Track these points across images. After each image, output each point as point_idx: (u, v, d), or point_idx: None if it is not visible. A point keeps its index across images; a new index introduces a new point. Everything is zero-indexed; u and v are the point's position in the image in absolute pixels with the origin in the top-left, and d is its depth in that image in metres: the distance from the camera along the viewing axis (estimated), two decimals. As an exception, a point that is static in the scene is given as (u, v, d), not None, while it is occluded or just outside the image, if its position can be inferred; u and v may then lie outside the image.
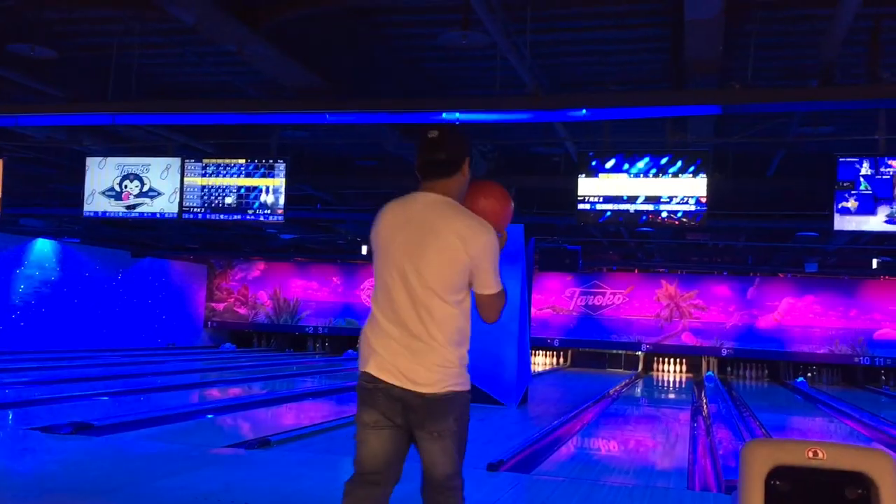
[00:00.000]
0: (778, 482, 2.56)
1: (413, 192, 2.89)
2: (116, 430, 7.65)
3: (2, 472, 5.84)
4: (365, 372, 2.85)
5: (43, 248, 17.79)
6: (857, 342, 19.12)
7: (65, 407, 9.11)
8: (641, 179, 7.36)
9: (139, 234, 17.13)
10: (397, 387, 2.74)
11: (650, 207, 7.36)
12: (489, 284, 2.79)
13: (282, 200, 8.07)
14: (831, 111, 7.66)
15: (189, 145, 9.00)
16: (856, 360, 19.15)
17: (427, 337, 2.72)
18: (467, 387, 2.81)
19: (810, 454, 2.55)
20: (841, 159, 6.75)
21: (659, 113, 6.20)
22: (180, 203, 8.20)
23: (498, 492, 5.61)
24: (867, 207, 6.64)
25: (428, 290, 2.72)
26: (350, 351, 22.11)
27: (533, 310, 14.25)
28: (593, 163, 7.49)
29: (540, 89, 6.24)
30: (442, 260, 2.72)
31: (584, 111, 5.99)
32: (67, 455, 6.33)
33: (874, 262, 16.01)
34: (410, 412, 2.74)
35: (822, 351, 19.38)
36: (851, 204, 6.66)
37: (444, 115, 6.14)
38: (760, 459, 2.58)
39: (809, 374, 19.71)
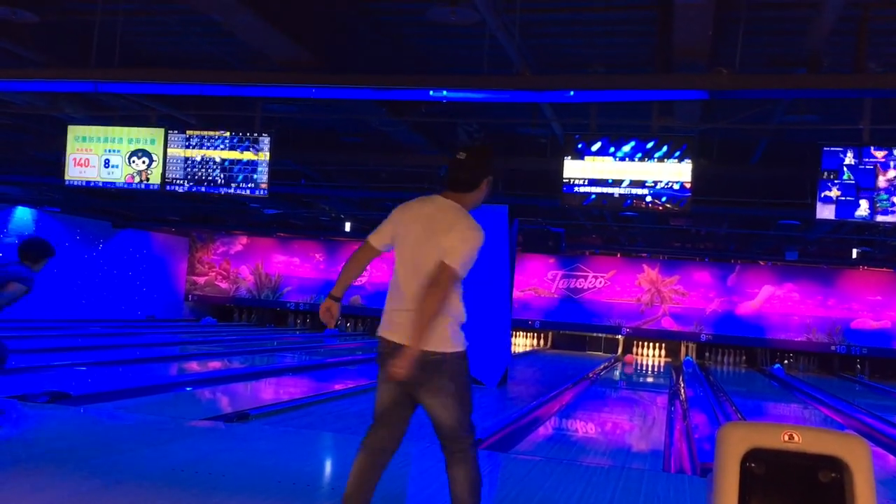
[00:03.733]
0: (753, 464, 2.58)
1: (433, 194, 3.55)
2: (94, 400, 7.62)
3: (-24, 439, 5.80)
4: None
5: (23, 216, 17.59)
6: (835, 331, 19.34)
7: (42, 376, 9.06)
8: (627, 163, 7.36)
9: (120, 204, 16.97)
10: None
11: (635, 191, 7.36)
12: (454, 260, 3.32)
13: (266, 175, 8.00)
14: (817, 100, 7.69)
15: (172, 116, 8.90)
16: (832, 348, 19.37)
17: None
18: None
19: (786, 437, 2.57)
20: (825, 148, 6.77)
21: (646, 96, 6.18)
22: (163, 174, 8.12)
23: (475, 470, 5.63)
24: (850, 197, 6.68)
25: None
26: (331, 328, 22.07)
27: (515, 291, 14.29)
28: (579, 145, 7.48)
29: (527, 69, 6.20)
30: (441, 254, 3.34)
31: (571, 93, 5.96)
32: (43, 423, 6.30)
33: (854, 252, 16.16)
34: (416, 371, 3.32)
35: (799, 338, 19.58)
36: (834, 193, 6.70)
37: (431, 92, 6.10)
38: (736, 441, 2.59)
39: (786, 361, 19.93)
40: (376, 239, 3.54)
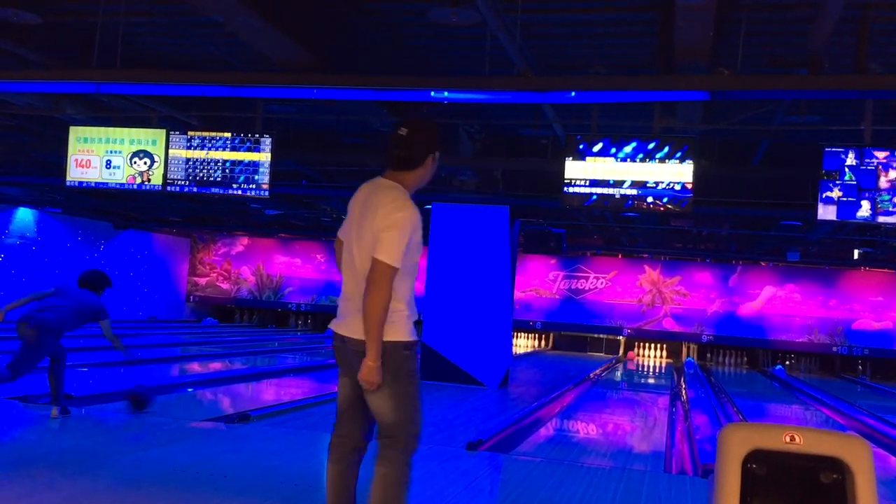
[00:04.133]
0: (754, 465, 2.57)
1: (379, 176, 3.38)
2: (95, 401, 7.63)
3: (-22, 440, 5.80)
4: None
5: (24, 217, 17.61)
6: (836, 332, 19.32)
7: (43, 377, 9.04)
8: (628, 164, 7.35)
9: (122, 205, 16.98)
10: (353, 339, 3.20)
11: (636, 192, 7.36)
12: (382, 252, 3.09)
13: (267, 176, 8.01)
14: (818, 101, 7.68)
15: (173, 117, 8.91)
16: (834, 349, 19.36)
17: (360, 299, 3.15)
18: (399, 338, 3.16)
19: (787, 438, 2.57)
20: (826, 149, 6.77)
21: (648, 97, 6.18)
22: (164, 175, 8.12)
23: (476, 471, 5.64)
24: (851, 197, 6.67)
25: (364, 261, 3.17)
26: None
27: (516, 292, 14.29)
28: (581, 146, 7.47)
29: (529, 70, 6.20)
30: (373, 236, 3.15)
31: (572, 94, 5.96)
32: (45, 425, 6.30)
33: (855, 253, 16.15)
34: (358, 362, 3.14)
35: (800, 339, 19.57)
36: (835, 194, 6.70)
37: (432, 93, 6.10)
38: (738, 442, 2.59)
39: (788, 362, 19.92)
40: (341, 231, 3.44)
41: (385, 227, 3.11)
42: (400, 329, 3.16)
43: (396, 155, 3.30)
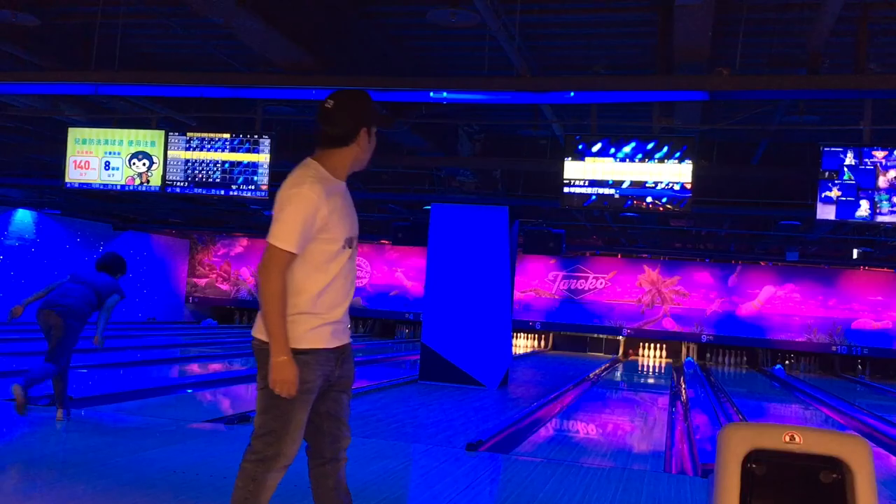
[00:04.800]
0: (754, 465, 2.58)
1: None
2: (94, 403, 7.62)
3: (-22, 442, 5.80)
4: None
5: (23, 218, 17.60)
6: (835, 331, 19.33)
7: (43, 379, 9.05)
8: (627, 164, 7.36)
9: (121, 206, 16.98)
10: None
11: (635, 192, 7.36)
12: (272, 234, 2.75)
13: (266, 176, 8.01)
14: (818, 100, 7.69)
15: (172, 118, 8.91)
16: (833, 348, 19.36)
17: None
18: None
19: (787, 438, 2.57)
20: (825, 149, 6.77)
21: (647, 98, 6.19)
22: (163, 176, 8.12)
23: (476, 472, 5.64)
24: (850, 197, 6.68)
25: None
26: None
27: (516, 292, 14.30)
28: (580, 146, 7.48)
29: (528, 71, 6.20)
30: None
31: (571, 94, 5.97)
32: (44, 427, 6.30)
33: (854, 253, 16.16)
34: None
35: (800, 339, 19.58)
36: (835, 193, 6.70)
37: (432, 93, 6.11)
38: (738, 442, 2.59)
39: (787, 362, 19.92)
40: None
41: (277, 206, 2.76)
42: (292, 333, 2.76)
43: (322, 131, 2.88)
